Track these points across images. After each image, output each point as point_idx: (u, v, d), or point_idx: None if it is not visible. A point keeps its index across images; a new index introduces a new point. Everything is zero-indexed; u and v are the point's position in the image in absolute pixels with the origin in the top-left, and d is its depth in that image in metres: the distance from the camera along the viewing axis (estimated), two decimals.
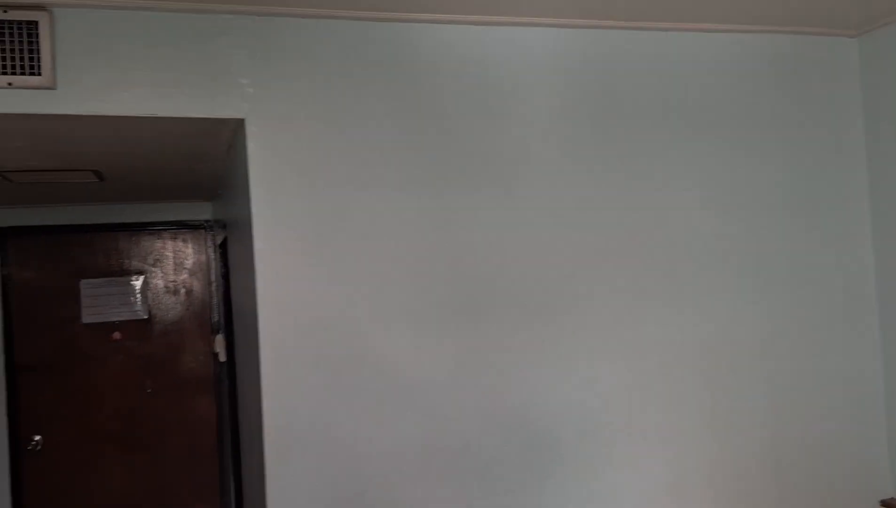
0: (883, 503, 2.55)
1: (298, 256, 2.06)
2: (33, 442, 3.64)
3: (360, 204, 2.11)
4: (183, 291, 3.95)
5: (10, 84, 1.76)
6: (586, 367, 2.31)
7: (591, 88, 2.31)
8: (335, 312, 2.08)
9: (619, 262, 2.34)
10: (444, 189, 2.18)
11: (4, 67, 1.75)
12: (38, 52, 1.77)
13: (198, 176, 3.01)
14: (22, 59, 1.76)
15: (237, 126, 2.10)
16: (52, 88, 1.79)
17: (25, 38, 1.77)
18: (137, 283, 3.86)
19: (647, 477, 2.36)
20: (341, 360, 2.09)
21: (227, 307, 3.29)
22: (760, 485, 2.45)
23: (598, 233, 2.32)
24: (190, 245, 3.97)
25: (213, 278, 3.95)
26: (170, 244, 3.93)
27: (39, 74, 1.77)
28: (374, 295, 2.12)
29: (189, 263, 3.97)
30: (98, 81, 1.86)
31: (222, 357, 3.47)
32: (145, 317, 3.86)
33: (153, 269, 3.90)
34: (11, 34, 1.76)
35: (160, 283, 3.91)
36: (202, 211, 3.95)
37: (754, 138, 2.46)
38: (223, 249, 3.31)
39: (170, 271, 3.93)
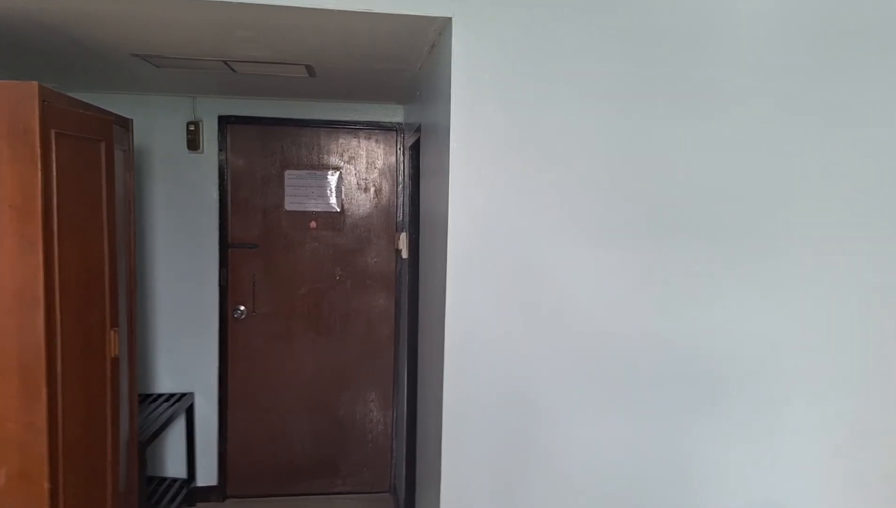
0: None
1: (489, 162, 2.07)
2: (239, 311, 4.12)
3: (554, 116, 2.06)
4: (372, 189, 4.16)
5: None
6: (775, 302, 2.17)
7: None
8: (518, 221, 2.09)
9: (826, 197, 2.15)
10: (640, 109, 2.08)
11: None
12: None
13: (395, 78, 3.08)
14: None
15: (443, 26, 2.10)
16: None
17: None
18: (333, 178, 4.12)
19: (829, 422, 2.23)
20: (520, 269, 2.11)
21: (413, 208, 3.42)
22: None
23: (803, 165, 2.13)
24: (382, 146, 4.14)
25: (400, 178, 4.11)
26: (364, 144, 4.12)
27: None
28: (557, 208, 2.10)
29: (379, 163, 4.15)
30: None
31: (405, 254, 3.64)
32: (338, 210, 4.13)
33: (347, 166, 4.13)
34: None
35: (353, 180, 4.14)
36: (395, 113, 4.07)
37: None
38: (413, 151, 3.41)
39: (362, 169, 4.14)
